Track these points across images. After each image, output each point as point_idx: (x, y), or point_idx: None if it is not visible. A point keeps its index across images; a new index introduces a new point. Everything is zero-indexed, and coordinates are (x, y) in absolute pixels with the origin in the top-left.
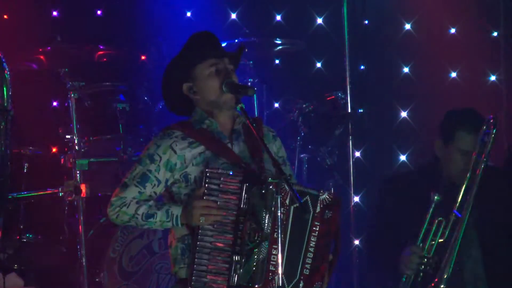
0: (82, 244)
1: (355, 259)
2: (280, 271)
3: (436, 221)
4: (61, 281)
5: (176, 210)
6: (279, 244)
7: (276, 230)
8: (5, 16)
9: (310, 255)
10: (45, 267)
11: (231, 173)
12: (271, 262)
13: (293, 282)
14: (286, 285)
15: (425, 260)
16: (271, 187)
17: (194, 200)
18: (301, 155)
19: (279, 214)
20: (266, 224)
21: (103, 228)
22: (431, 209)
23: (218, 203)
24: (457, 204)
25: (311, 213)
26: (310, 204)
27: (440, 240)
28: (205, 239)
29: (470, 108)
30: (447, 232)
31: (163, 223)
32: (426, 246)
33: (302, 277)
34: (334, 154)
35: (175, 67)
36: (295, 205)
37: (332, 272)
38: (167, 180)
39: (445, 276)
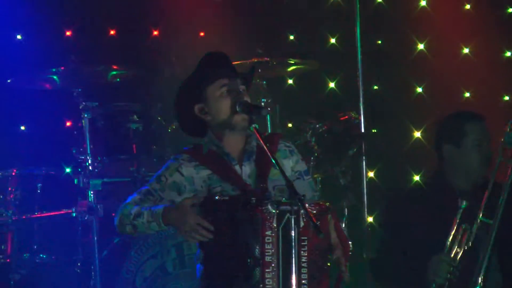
0: (96, 264)
1: (369, 279)
2: None
3: (462, 229)
4: None
5: (159, 209)
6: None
7: (267, 253)
8: (19, 36)
9: (305, 270)
10: (59, 287)
11: (226, 198)
12: (267, 286)
13: None
14: None
15: (452, 268)
16: (258, 211)
17: (191, 215)
18: (315, 176)
19: (293, 234)
20: (255, 249)
21: (117, 248)
22: (459, 216)
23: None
24: (482, 210)
25: (296, 229)
26: (292, 221)
27: (465, 248)
28: (212, 266)
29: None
30: (471, 240)
31: (150, 224)
32: (452, 254)
33: None
34: (348, 174)
35: (187, 88)
36: (282, 225)
37: (339, 283)
38: (173, 201)
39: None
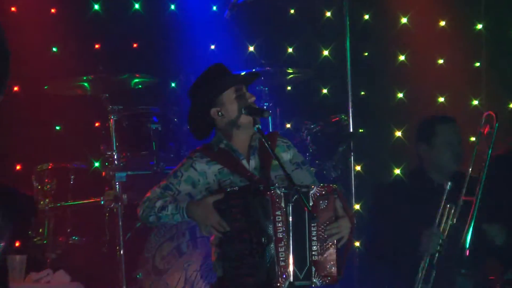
0: (121, 245)
1: (355, 260)
2: (291, 265)
3: (448, 207)
4: (103, 277)
5: (183, 204)
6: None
7: (279, 230)
8: (54, 49)
9: (315, 243)
10: (89, 265)
11: (236, 189)
12: (281, 259)
13: (305, 269)
14: (299, 274)
15: (441, 241)
16: (267, 195)
17: (213, 214)
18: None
19: (290, 219)
20: (268, 228)
21: (139, 232)
22: (445, 196)
23: (231, 216)
24: (464, 191)
25: (301, 208)
26: (303, 200)
27: (451, 223)
28: (229, 249)
29: None
30: (456, 217)
31: (174, 216)
32: (441, 229)
33: (312, 263)
34: (338, 168)
35: (204, 95)
36: (290, 204)
37: (348, 250)
38: (189, 194)
39: (467, 247)
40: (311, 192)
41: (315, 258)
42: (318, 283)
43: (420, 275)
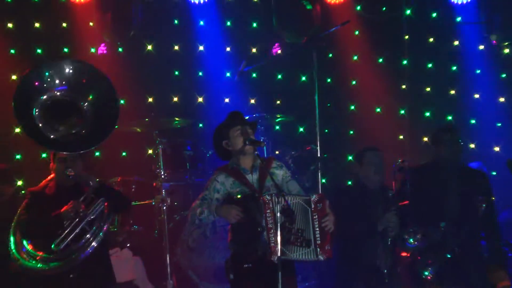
0: (166, 231)
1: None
2: (279, 246)
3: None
4: (154, 253)
5: (213, 207)
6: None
7: (269, 223)
8: (122, 101)
9: (317, 232)
10: (144, 245)
11: (240, 197)
12: (271, 241)
13: (296, 249)
14: (288, 253)
15: (392, 222)
16: (261, 200)
17: (233, 209)
18: None
19: (279, 215)
20: (262, 221)
21: (178, 222)
22: (391, 197)
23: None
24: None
25: (309, 209)
26: (305, 205)
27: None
28: (237, 235)
29: None
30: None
31: (208, 216)
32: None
33: (317, 245)
34: (310, 180)
35: (218, 132)
36: (277, 206)
37: (333, 235)
38: (217, 199)
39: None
40: (312, 198)
41: (318, 242)
42: (322, 259)
43: (380, 244)
